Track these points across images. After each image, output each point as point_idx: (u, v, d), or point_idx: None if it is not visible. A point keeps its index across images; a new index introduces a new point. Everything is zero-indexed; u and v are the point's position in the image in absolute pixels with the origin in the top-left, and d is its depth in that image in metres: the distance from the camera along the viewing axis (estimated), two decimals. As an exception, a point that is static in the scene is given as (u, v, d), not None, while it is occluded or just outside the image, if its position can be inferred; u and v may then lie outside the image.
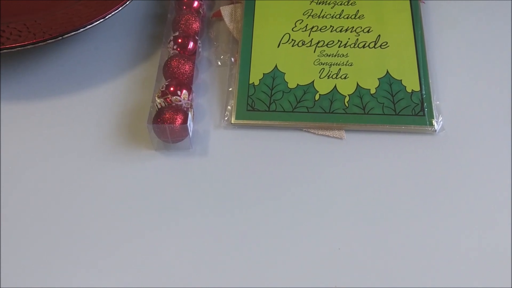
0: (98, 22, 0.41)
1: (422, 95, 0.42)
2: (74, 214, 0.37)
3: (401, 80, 0.43)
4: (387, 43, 0.45)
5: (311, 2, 0.48)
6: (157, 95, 0.40)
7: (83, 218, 0.37)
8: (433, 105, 0.42)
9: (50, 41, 0.40)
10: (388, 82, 0.43)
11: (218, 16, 0.49)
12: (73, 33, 0.40)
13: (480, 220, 0.37)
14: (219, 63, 0.47)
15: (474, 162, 0.40)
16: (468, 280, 0.34)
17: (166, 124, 0.38)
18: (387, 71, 0.43)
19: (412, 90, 0.42)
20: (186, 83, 0.42)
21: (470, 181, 0.39)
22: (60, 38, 0.40)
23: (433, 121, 0.41)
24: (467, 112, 0.43)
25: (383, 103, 0.42)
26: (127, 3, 0.43)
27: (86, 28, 0.40)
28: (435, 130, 0.41)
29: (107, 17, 0.41)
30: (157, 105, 0.40)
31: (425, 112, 0.41)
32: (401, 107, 0.42)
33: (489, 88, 0.44)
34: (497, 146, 0.40)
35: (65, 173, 0.39)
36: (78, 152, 0.40)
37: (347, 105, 0.42)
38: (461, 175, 0.39)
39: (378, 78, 0.43)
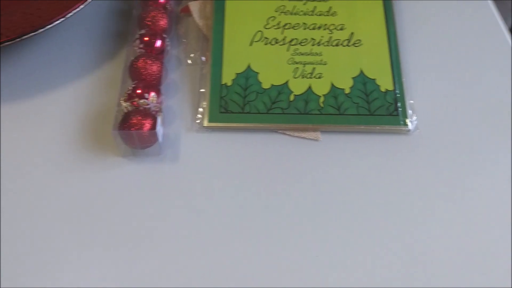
0: (58, 22, 0.38)
1: (395, 94, 0.42)
2: (35, 225, 0.35)
3: (375, 79, 0.42)
4: (360, 41, 0.44)
5: (283, -2, 0.47)
6: (123, 99, 0.38)
7: (44, 230, 0.35)
8: (406, 104, 0.42)
9: (7, 43, 0.38)
10: (362, 81, 0.42)
11: (187, 11, 0.47)
12: (32, 34, 0.38)
13: (455, 218, 0.37)
14: (189, 61, 0.45)
15: (448, 161, 0.40)
16: (446, 280, 0.34)
17: (133, 130, 0.36)
18: (361, 70, 0.43)
19: (386, 89, 0.42)
20: (154, 84, 0.40)
21: (445, 180, 0.39)
22: (18, 40, 0.38)
23: (407, 121, 0.41)
24: (441, 111, 0.43)
25: (358, 103, 0.41)
26: (88, 1, 0.41)
27: (45, 28, 0.38)
28: (409, 130, 0.41)
29: (67, 16, 0.38)
30: (123, 109, 0.38)
31: (399, 111, 0.41)
32: (375, 107, 0.41)
33: (462, 86, 0.44)
34: (470, 144, 0.41)
35: (25, 182, 0.37)
36: (39, 160, 0.38)
37: (322, 105, 0.41)
38: (435, 175, 0.39)
39: (352, 78, 0.42)
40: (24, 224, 0.36)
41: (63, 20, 0.39)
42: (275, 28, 0.45)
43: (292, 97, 0.41)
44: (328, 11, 0.46)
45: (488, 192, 0.38)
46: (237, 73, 0.42)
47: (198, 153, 0.39)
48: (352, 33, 0.45)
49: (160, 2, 0.46)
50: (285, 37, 0.44)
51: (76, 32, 0.46)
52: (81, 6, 0.39)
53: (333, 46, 0.44)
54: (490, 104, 0.43)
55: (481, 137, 0.41)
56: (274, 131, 0.41)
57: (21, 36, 0.38)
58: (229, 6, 0.46)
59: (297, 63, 0.43)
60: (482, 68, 0.45)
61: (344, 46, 0.44)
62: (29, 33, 0.38)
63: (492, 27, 0.48)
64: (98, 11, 0.47)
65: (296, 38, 0.44)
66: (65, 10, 0.39)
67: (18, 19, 0.40)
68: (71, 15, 0.39)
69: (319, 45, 0.44)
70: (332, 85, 0.42)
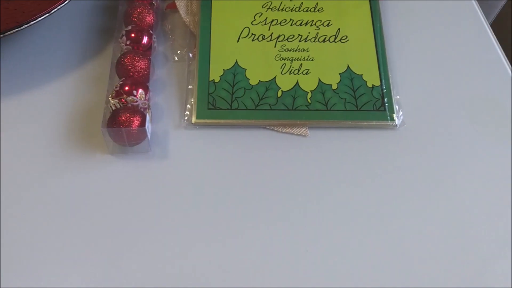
0: (42, 17, 0.37)
1: (382, 89, 0.42)
2: (22, 223, 0.35)
3: (361, 75, 0.43)
4: (347, 37, 0.45)
5: (270, -6, 0.46)
6: (111, 96, 0.38)
7: (31, 228, 0.35)
8: (393, 99, 0.42)
9: (-11, 39, 0.37)
10: (349, 77, 0.42)
11: (173, 7, 0.47)
12: (15, 30, 0.37)
13: (441, 212, 0.37)
14: (176, 58, 0.44)
15: (434, 156, 0.40)
16: (433, 279, 0.35)
17: (122, 127, 0.36)
18: (348, 66, 0.43)
19: (373, 85, 0.42)
20: (142, 81, 0.40)
21: (431, 174, 0.39)
22: (2, 36, 0.37)
23: (394, 116, 0.41)
24: (427, 106, 0.43)
25: (345, 98, 0.41)
26: (74, -5, 0.40)
27: (30, 24, 0.37)
28: (396, 125, 0.41)
29: (52, 11, 0.38)
30: (111, 107, 0.38)
31: (386, 107, 0.42)
32: (362, 102, 0.42)
33: (447, 82, 0.45)
34: (456, 139, 0.41)
35: (12, 180, 0.37)
36: (26, 158, 0.38)
37: (309, 101, 0.41)
38: (422, 169, 0.39)
39: (339, 73, 0.43)
40: (11, 222, 0.35)
41: (47, 16, 0.38)
42: (262, 24, 0.45)
43: (279, 93, 0.41)
44: (314, 8, 0.46)
45: (474, 185, 0.39)
46: (224, 70, 0.42)
47: (187, 150, 0.39)
48: (338, 29, 0.45)
49: (146, -2, 0.45)
50: (272, 33, 0.44)
51: (61, 29, 0.45)
52: (66, 2, 0.38)
53: (320, 42, 0.44)
54: (475, 99, 0.44)
55: (466, 132, 0.42)
56: (262, 127, 0.41)
57: (5, 32, 0.36)
58: (215, 2, 0.45)
59: (284, 59, 0.43)
60: (466, 63, 0.46)
61: (331, 42, 0.44)
62: (13, 29, 0.37)
63: (475, 23, 0.49)
64: (83, 7, 0.47)
65: (283, 34, 0.44)
66: (49, 5, 0.38)
67: (1, 15, 0.39)
68: (56, 11, 0.38)
69: (306, 41, 0.44)
70: (320, 81, 0.42)
